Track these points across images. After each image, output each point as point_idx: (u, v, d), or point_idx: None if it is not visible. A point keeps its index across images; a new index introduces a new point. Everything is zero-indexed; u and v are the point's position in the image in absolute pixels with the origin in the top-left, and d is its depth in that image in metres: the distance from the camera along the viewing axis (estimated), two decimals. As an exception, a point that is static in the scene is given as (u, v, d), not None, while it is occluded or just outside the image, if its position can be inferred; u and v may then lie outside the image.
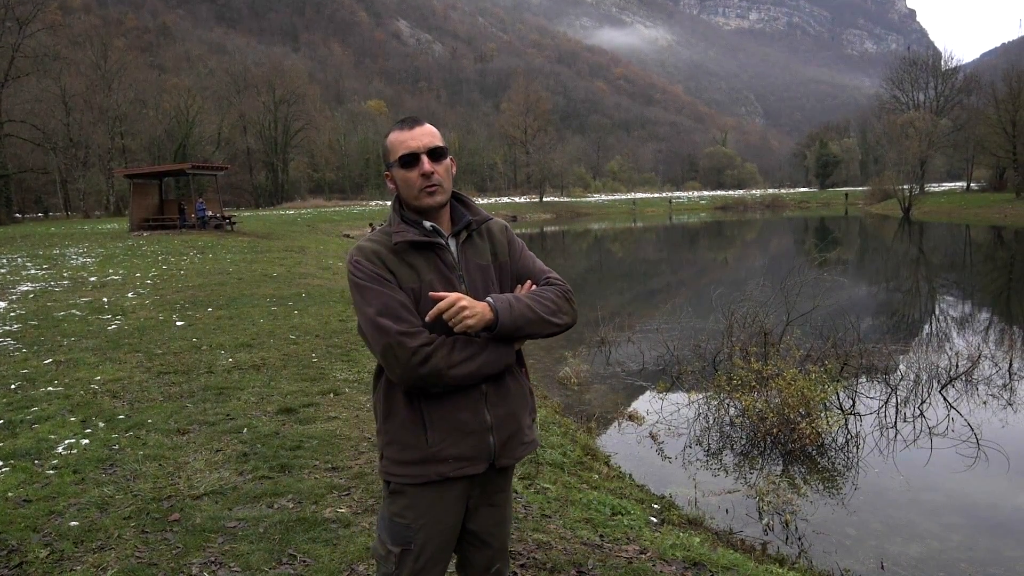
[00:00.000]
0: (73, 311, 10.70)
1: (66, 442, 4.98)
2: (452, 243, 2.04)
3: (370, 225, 38.13)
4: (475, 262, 2.04)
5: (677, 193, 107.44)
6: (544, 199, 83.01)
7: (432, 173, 1.96)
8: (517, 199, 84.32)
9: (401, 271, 1.94)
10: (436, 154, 1.98)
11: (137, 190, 30.24)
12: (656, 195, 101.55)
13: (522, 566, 3.46)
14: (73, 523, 3.73)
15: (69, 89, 51.55)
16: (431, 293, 1.88)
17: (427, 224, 2.00)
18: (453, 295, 1.85)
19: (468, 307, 1.85)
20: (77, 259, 19.07)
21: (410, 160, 1.96)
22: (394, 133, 2.01)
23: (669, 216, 74.98)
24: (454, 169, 2.09)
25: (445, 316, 1.84)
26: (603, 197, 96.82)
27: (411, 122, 2.02)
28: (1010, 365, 9.57)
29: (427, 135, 1.99)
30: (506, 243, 2.13)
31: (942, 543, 5.24)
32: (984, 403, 8.28)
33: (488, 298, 1.92)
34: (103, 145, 53.69)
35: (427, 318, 1.87)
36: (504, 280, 2.08)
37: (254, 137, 76.31)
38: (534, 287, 2.06)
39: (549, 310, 1.98)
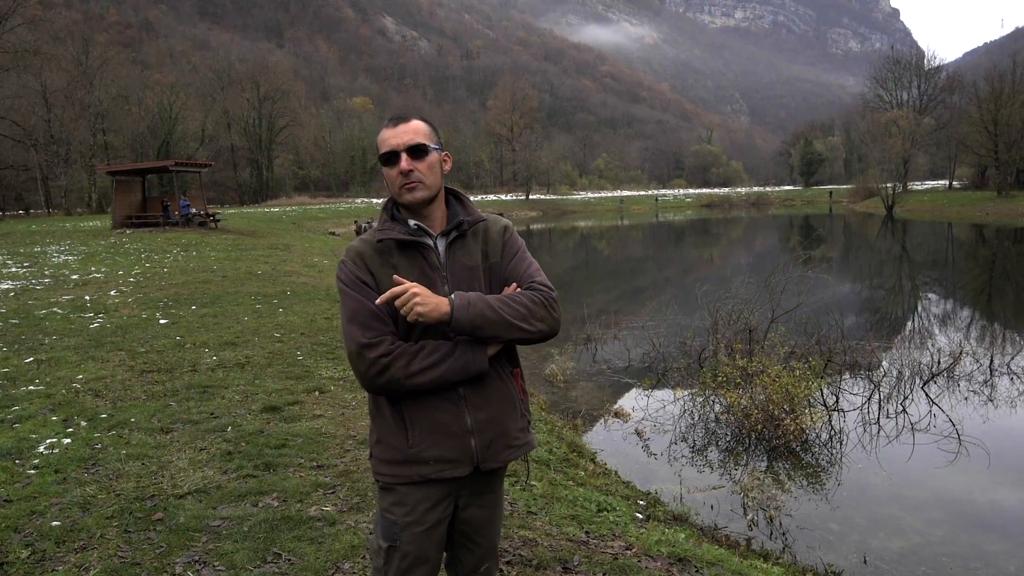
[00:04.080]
0: (55, 309, 10.58)
1: (48, 441, 4.92)
2: (441, 243, 2.00)
3: (355, 223, 37.93)
4: (462, 263, 1.99)
5: (663, 191, 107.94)
6: (531, 197, 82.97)
7: (411, 171, 1.94)
8: (504, 197, 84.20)
9: (383, 273, 1.93)
10: (416, 151, 1.95)
11: (120, 187, 29.89)
12: (642, 193, 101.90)
13: (508, 563, 3.46)
14: (55, 523, 3.69)
15: (50, 85, 50.72)
16: (395, 277, 1.86)
17: (411, 223, 1.98)
18: (409, 284, 1.83)
19: (420, 294, 1.82)
20: (59, 257, 18.83)
21: (389, 158, 1.96)
22: (382, 131, 2.01)
23: (655, 214, 75.24)
24: (448, 165, 2.05)
25: (397, 303, 1.82)
26: (590, 195, 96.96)
27: (396, 120, 2.00)
28: (991, 361, 9.69)
29: (409, 132, 1.96)
30: (501, 244, 2.05)
31: (924, 538, 5.30)
32: (965, 399, 8.38)
33: (452, 294, 1.88)
34: (85, 142, 52.97)
35: (377, 301, 1.86)
36: (495, 283, 2.01)
37: (238, 134, 75.64)
38: (517, 290, 1.97)
39: (518, 314, 1.89)
